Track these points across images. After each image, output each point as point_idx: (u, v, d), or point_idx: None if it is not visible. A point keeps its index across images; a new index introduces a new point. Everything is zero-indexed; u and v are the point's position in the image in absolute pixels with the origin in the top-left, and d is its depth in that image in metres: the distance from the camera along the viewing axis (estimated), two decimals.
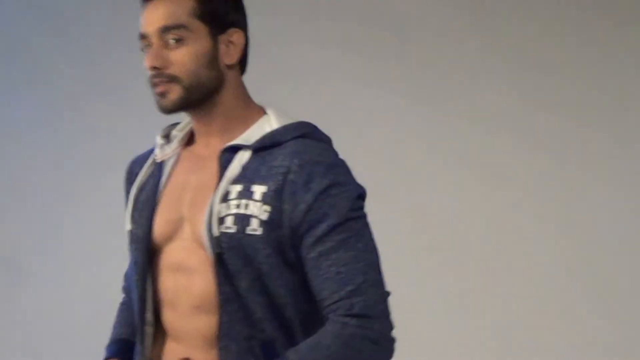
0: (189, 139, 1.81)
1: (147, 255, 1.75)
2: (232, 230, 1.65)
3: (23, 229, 3.92)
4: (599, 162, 3.37)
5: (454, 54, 3.49)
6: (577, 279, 3.35)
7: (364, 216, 1.68)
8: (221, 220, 1.65)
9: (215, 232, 1.65)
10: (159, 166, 1.80)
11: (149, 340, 1.79)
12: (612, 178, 3.36)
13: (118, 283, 2.01)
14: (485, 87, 3.46)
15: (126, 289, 1.98)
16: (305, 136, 1.71)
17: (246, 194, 1.65)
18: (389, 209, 3.25)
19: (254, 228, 1.64)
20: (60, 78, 3.90)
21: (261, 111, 1.76)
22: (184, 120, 1.82)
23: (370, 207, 1.71)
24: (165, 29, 1.68)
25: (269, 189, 1.64)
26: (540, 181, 3.41)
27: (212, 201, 1.67)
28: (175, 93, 1.69)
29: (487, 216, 3.45)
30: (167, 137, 1.81)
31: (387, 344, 1.64)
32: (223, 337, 1.67)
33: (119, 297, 2.00)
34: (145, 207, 1.77)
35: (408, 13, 3.53)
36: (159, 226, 1.75)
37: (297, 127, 1.72)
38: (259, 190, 1.65)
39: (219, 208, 1.66)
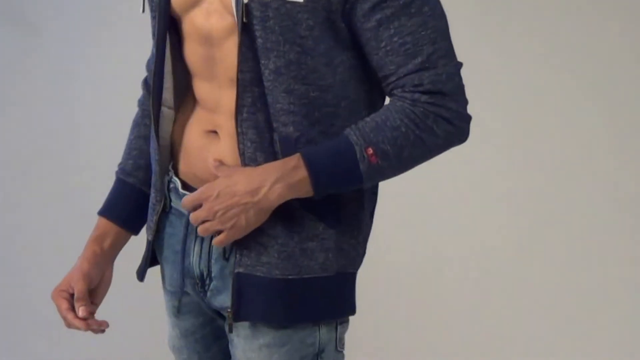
0: None
1: (164, 23, 1.54)
2: None
3: None
4: None
5: None
6: None
7: None
8: None
9: None
10: None
11: (166, 123, 1.60)
12: None
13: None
14: None
15: (141, 102, 1.75)
16: None
17: None
18: None
19: None
20: None
21: None
22: None
23: None
24: None
25: None
26: None
27: None
28: None
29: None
30: None
31: (462, 123, 1.46)
32: (242, 123, 1.46)
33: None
34: None
35: None
36: None
37: None
38: None
39: None
